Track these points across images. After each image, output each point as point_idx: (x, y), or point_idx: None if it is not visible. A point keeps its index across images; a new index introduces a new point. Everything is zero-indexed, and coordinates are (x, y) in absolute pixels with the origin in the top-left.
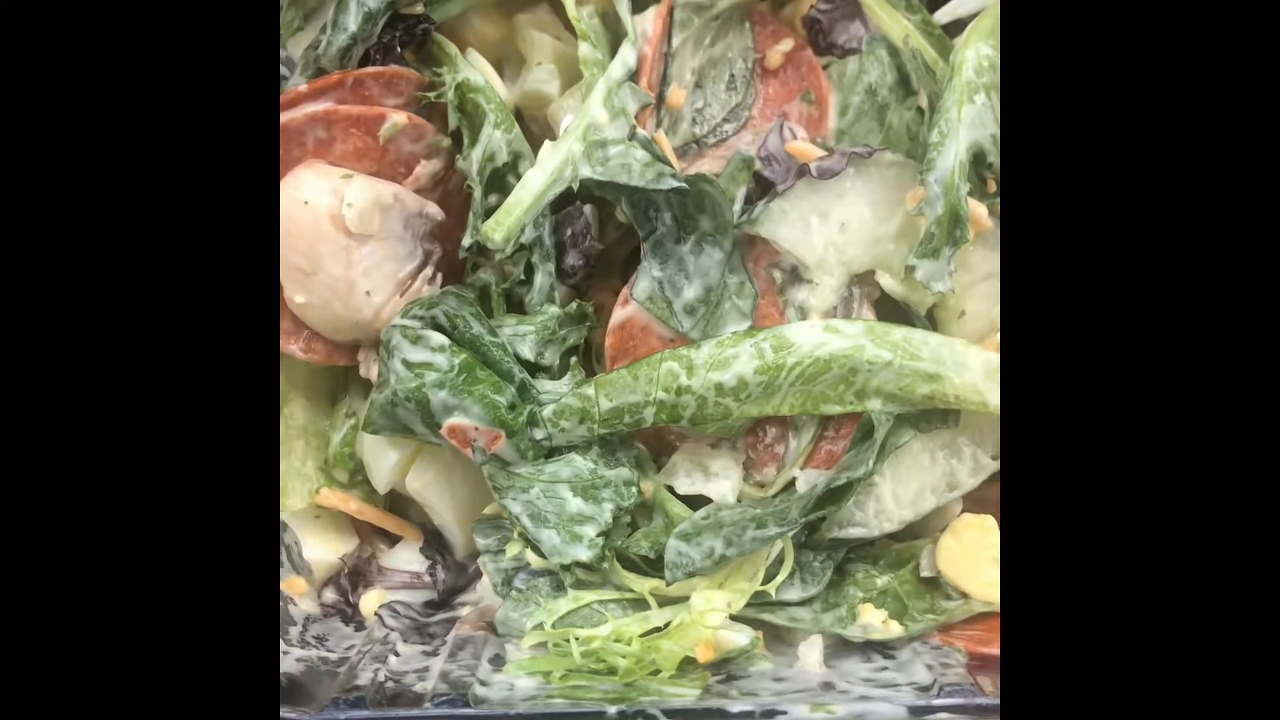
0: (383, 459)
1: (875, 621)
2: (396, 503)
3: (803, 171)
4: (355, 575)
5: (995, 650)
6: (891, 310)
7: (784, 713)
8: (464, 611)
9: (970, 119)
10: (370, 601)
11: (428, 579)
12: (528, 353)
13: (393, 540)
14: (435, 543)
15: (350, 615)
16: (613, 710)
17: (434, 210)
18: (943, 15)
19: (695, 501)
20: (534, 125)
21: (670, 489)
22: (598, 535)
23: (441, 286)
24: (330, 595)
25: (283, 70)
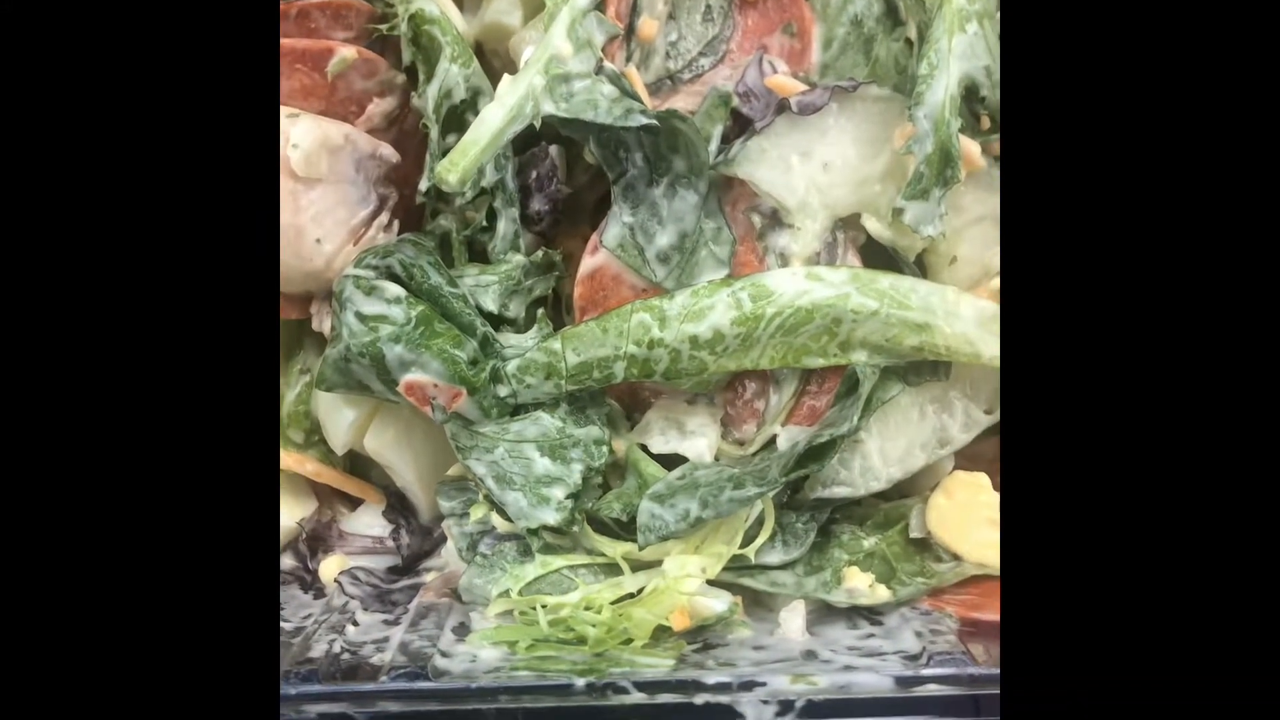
0: (339, 418)
1: (861, 585)
2: (357, 464)
3: (783, 107)
4: (314, 540)
5: (988, 616)
6: (878, 256)
7: (763, 684)
8: (428, 578)
9: (961, 49)
10: (330, 568)
11: (391, 544)
12: (491, 304)
13: (353, 503)
14: (398, 506)
15: (309, 582)
16: (581, 682)
17: (388, 152)
18: None
19: (670, 461)
20: (495, 60)
21: (644, 448)
22: (566, 497)
23: (399, 234)
24: (288, 561)
25: None
